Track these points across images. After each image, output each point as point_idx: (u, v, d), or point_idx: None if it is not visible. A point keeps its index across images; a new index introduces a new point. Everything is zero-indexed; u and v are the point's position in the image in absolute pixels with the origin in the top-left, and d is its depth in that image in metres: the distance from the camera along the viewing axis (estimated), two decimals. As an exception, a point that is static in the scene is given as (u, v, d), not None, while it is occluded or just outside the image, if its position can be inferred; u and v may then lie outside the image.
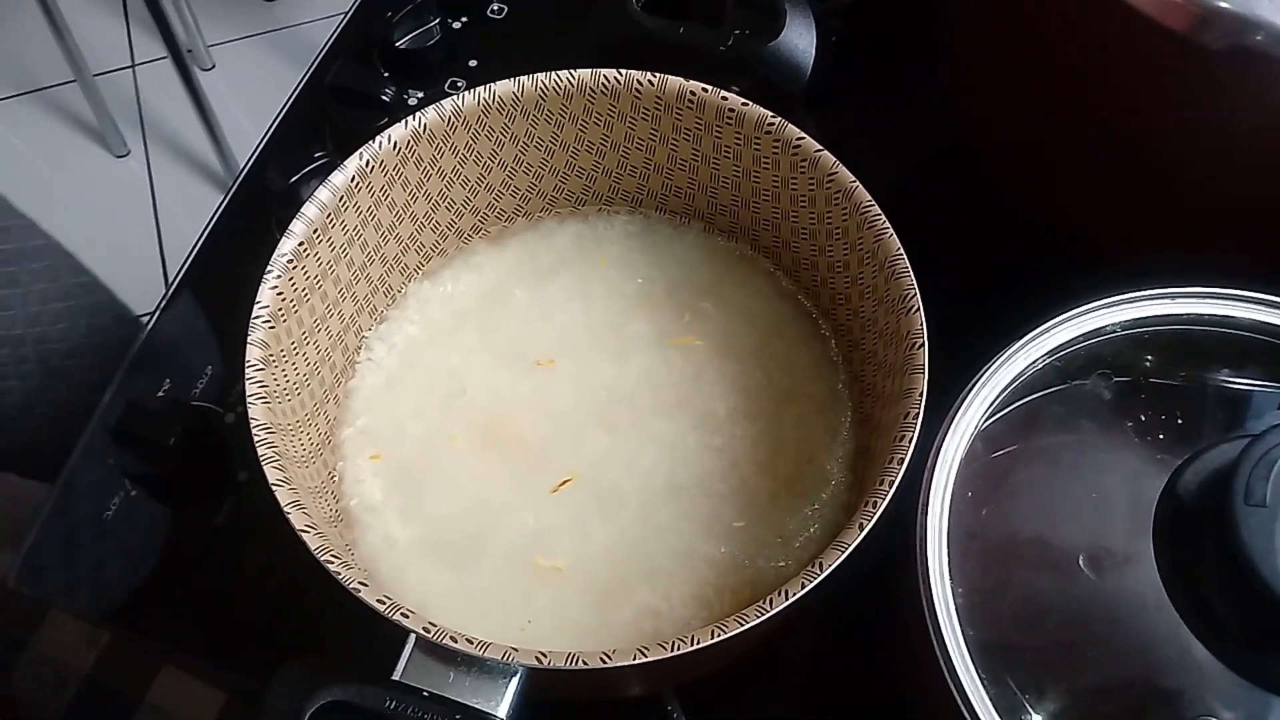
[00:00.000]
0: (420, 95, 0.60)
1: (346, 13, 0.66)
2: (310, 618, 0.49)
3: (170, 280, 0.58)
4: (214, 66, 1.59)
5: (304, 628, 0.49)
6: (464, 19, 0.63)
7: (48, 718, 1.20)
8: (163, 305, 0.57)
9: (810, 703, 0.47)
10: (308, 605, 0.49)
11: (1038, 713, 0.32)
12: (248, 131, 1.49)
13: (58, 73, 1.58)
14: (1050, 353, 0.39)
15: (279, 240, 0.39)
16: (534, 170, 0.46)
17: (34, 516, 0.52)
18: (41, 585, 0.51)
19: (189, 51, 1.35)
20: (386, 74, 0.61)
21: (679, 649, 0.32)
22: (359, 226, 0.42)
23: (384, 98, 0.58)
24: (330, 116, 0.59)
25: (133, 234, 1.46)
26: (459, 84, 0.61)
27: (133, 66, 1.62)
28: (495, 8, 0.64)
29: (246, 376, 0.37)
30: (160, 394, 0.53)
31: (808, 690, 0.47)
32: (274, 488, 0.35)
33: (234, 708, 1.17)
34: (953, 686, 0.33)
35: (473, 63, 0.62)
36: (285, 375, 0.39)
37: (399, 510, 0.42)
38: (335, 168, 0.41)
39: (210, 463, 0.52)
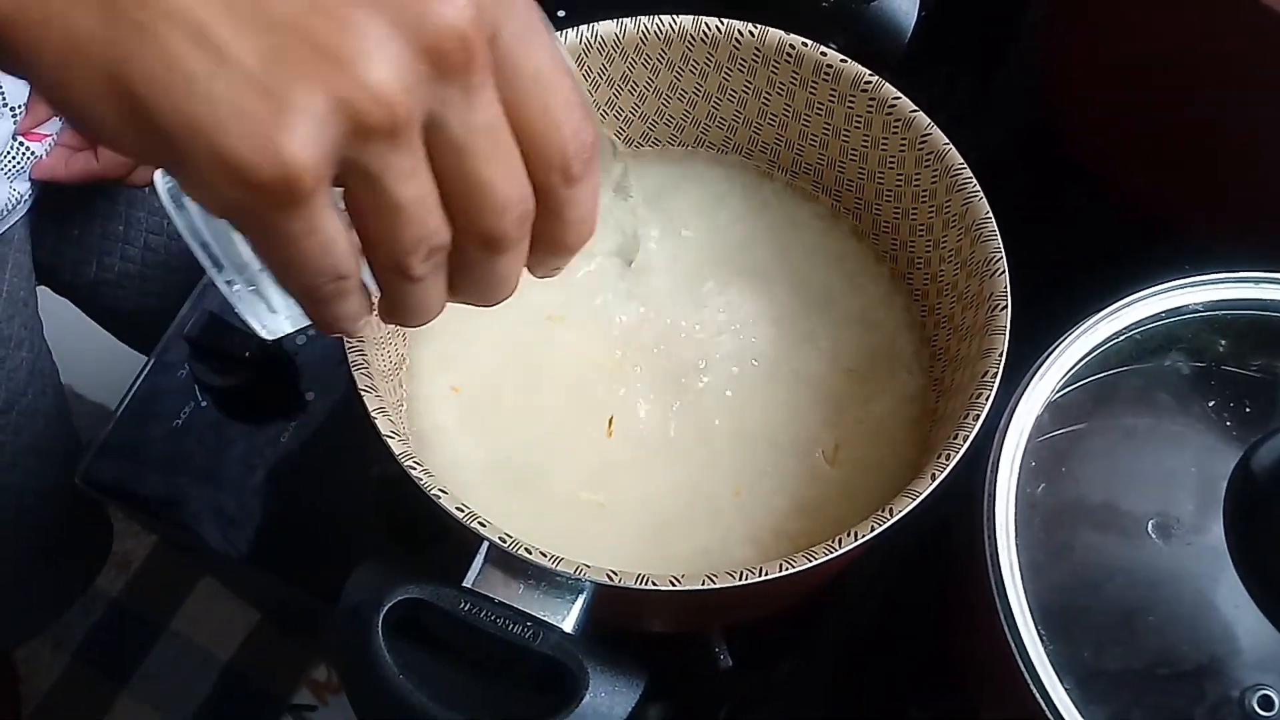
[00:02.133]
0: (507, 40, 0.61)
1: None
2: (368, 539, 0.50)
3: None
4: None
5: (362, 548, 0.50)
6: (555, -32, 0.64)
7: (71, 639, 1.22)
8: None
9: (852, 664, 0.48)
10: (367, 525, 0.51)
11: (1095, 673, 0.33)
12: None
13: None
14: (1127, 329, 0.39)
15: None
16: (624, 115, 0.47)
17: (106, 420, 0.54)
18: (105, 484, 0.52)
19: None
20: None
21: (747, 579, 0.33)
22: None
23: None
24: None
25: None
26: (547, 31, 0.61)
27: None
28: (587, -40, 0.64)
29: (341, 284, 0.38)
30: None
31: (850, 653, 0.48)
32: (363, 393, 0.36)
33: (260, 636, 1.18)
34: (1013, 644, 0.33)
35: (561, 13, 0.62)
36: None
37: (469, 434, 0.43)
38: None
39: (281, 381, 0.53)
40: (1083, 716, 0.32)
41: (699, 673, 0.44)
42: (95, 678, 1.17)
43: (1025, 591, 0.34)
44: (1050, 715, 0.32)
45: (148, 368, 0.54)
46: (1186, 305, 0.39)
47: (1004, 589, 0.34)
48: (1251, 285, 0.39)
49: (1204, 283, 0.39)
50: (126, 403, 0.53)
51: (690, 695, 0.47)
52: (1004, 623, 0.34)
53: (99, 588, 1.25)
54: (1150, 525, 0.34)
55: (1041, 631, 0.33)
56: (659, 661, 0.34)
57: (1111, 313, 0.39)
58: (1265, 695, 0.31)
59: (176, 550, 1.17)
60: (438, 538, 0.49)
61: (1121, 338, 0.39)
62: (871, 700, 0.46)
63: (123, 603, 1.22)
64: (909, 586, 0.47)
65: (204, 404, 0.52)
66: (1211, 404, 0.39)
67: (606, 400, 0.43)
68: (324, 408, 0.52)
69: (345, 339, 0.37)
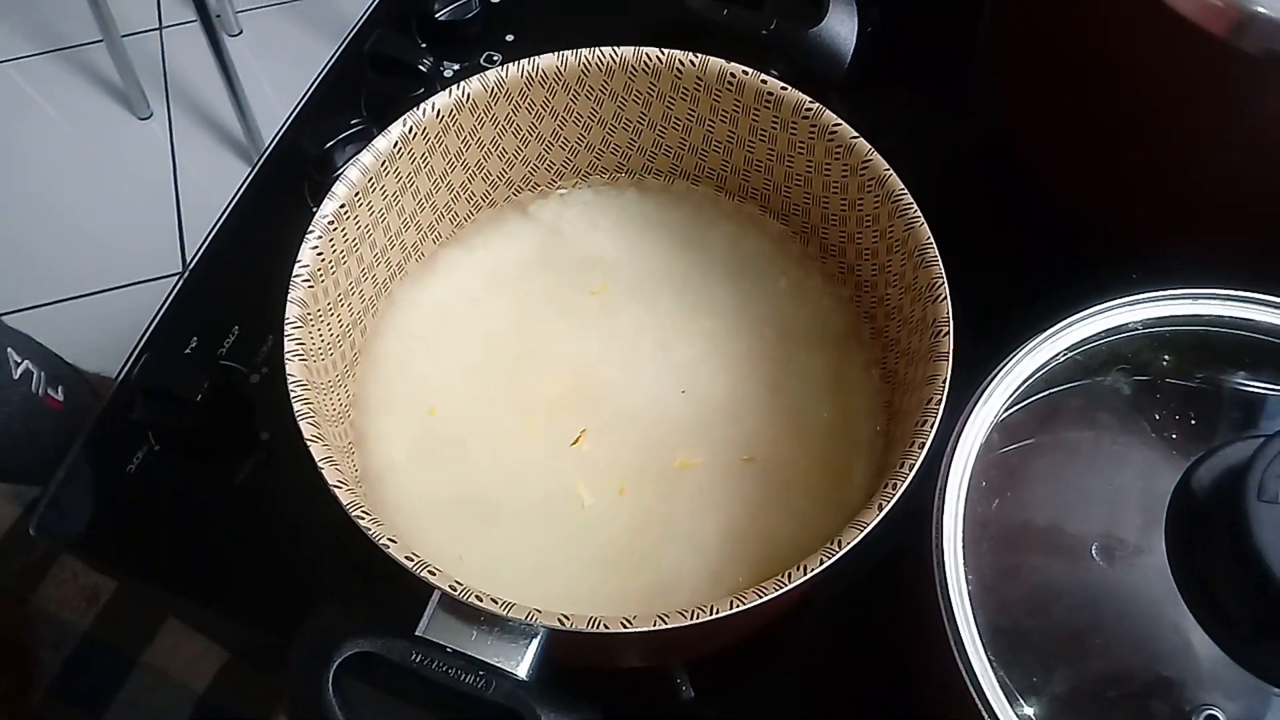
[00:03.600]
0: (456, 67, 0.61)
1: (386, -18, 0.66)
2: (326, 578, 0.50)
3: (200, 240, 0.58)
4: (241, 32, 1.60)
5: (319, 587, 0.49)
6: (502, -6, 0.64)
7: (44, 673, 1.22)
8: (191, 265, 0.58)
9: (817, 686, 0.48)
10: (324, 565, 0.50)
11: (1044, 695, 0.33)
12: (271, 98, 1.50)
13: (85, 32, 1.59)
14: (1071, 348, 0.40)
15: (313, 203, 0.40)
16: (570, 145, 0.47)
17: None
18: (61, 534, 0.52)
19: (217, 16, 1.35)
20: (424, 44, 0.61)
21: (698, 617, 0.33)
22: (397, 193, 0.43)
23: (421, 68, 0.58)
24: (367, 83, 0.59)
25: (150, 196, 1.47)
26: (495, 58, 0.61)
27: (159, 29, 1.62)
28: (533, -16, 0.64)
29: (285, 334, 0.37)
30: (187, 351, 0.54)
31: (815, 674, 0.48)
32: (309, 443, 0.35)
33: (234, 669, 1.18)
34: (962, 668, 0.34)
35: (509, 37, 0.63)
36: (320, 335, 0.40)
37: (422, 470, 0.43)
38: (370, 134, 0.41)
39: (234, 421, 0.52)
40: (1034, 741, 0.32)
41: (662, 704, 0.44)
42: (69, 712, 1.16)
43: (975, 615, 0.35)
44: (1003, 740, 0.32)
45: (98, 415, 0.53)
46: (1128, 323, 0.39)
47: (953, 613, 0.35)
48: (1190, 302, 0.40)
49: (1145, 300, 0.39)
50: (77, 452, 0.53)
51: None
52: (954, 646, 0.34)
53: (69, 622, 1.24)
54: (1094, 549, 0.34)
55: (991, 655, 0.34)
56: (620, 696, 0.34)
57: (1055, 332, 0.39)
58: (1211, 715, 0.32)
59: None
60: (396, 574, 0.49)
61: (1065, 357, 0.39)
62: (834, 722, 0.46)
63: (94, 636, 1.20)
64: (868, 610, 0.47)
65: (156, 448, 0.52)
66: (1157, 417, 0.40)
67: (562, 435, 0.43)
68: (279, 446, 0.52)
69: (290, 385, 0.37)
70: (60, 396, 0.75)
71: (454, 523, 0.42)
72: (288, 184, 0.59)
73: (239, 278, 0.57)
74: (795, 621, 0.47)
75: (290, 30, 1.61)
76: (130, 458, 0.51)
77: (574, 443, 0.42)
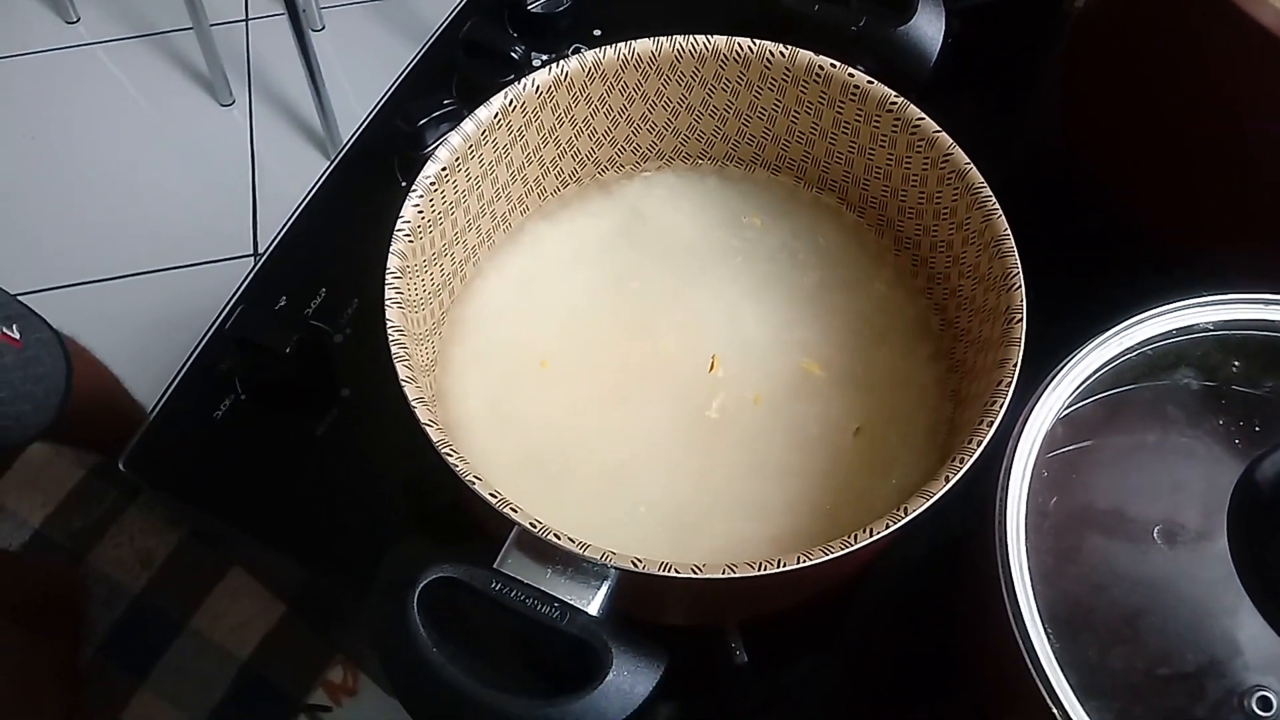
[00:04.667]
0: (544, 58, 0.63)
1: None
2: (397, 529, 0.52)
3: (278, 222, 0.60)
4: (324, 28, 1.64)
5: (390, 538, 0.51)
6: (592, -11, 0.66)
7: (93, 632, 1.25)
8: (284, 231, 0.60)
9: (868, 666, 0.49)
10: (396, 516, 0.52)
11: (1101, 671, 0.34)
12: (348, 91, 1.54)
13: (174, 20, 1.64)
14: (1138, 345, 0.41)
15: (402, 178, 0.41)
16: (657, 129, 0.49)
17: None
18: (147, 472, 0.54)
19: (303, 11, 1.40)
20: (514, 34, 0.63)
21: (765, 569, 0.34)
22: (493, 162, 0.45)
23: (513, 55, 0.61)
24: (459, 68, 0.62)
25: (228, 179, 1.51)
26: (582, 50, 0.63)
27: (246, 20, 1.67)
28: (623, -18, 0.66)
29: (386, 282, 0.40)
30: (277, 308, 0.56)
31: (866, 654, 0.49)
32: (403, 384, 0.37)
33: (279, 637, 1.20)
34: (1022, 644, 0.35)
35: (597, 32, 0.65)
36: (415, 288, 0.42)
37: (498, 429, 0.45)
38: (460, 115, 0.43)
39: (317, 376, 0.55)
40: (1087, 713, 0.33)
41: (715, 669, 0.45)
42: (116, 672, 1.19)
43: (1034, 593, 0.36)
44: (1056, 711, 0.33)
45: (189, 362, 0.56)
46: (1197, 324, 0.40)
47: (1014, 591, 0.36)
48: (1261, 306, 0.40)
49: (1214, 303, 0.40)
50: (168, 395, 0.55)
51: (705, 695, 0.48)
52: (1013, 623, 0.35)
53: (121, 584, 1.28)
54: (1156, 531, 0.35)
55: (1049, 631, 0.35)
56: (675, 657, 0.35)
57: (1123, 329, 0.40)
58: (1264, 696, 0.32)
59: (205, 544, 1.19)
60: (463, 532, 0.50)
61: (1133, 354, 0.40)
62: (883, 701, 0.47)
63: (145, 599, 1.24)
64: (923, 592, 0.48)
65: (243, 397, 0.54)
66: (1221, 421, 0.40)
67: (636, 398, 0.44)
68: (358, 403, 0.54)
69: (389, 329, 0.39)
70: (17, 335, 0.77)
71: (526, 481, 0.44)
72: (376, 162, 0.61)
73: (326, 245, 0.60)
74: (850, 599, 0.48)
75: (370, 28, 1.66)
76: (218, 405, 0.54)
77: (710, 369, 0.44)
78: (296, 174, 1.50)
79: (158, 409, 0.55)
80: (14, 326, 0.75)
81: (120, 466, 0.53)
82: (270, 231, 0.60)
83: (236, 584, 1.20)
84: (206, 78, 1.58)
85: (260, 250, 1.43)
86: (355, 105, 1.54)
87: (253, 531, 0.52)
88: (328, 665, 1.15)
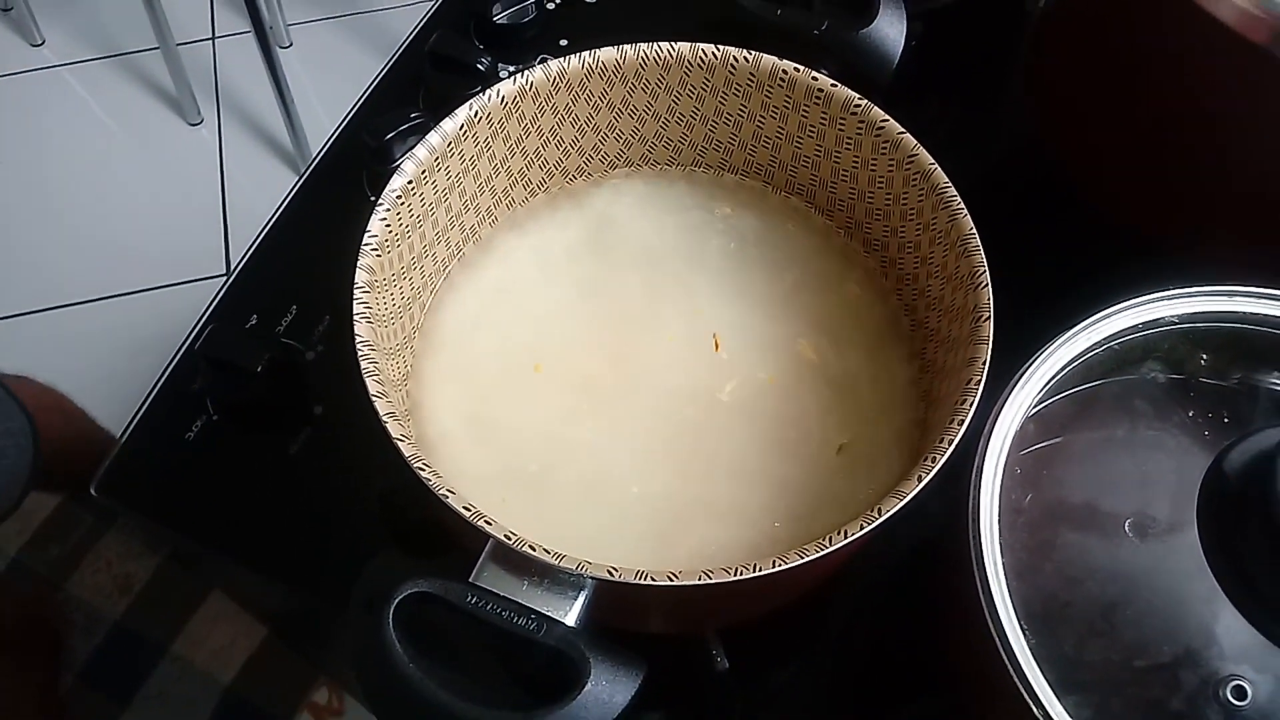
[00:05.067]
0: (511, 69, 0.63)
1: (446, -13, 0.69)
2: (372, 545, 0.51)
3: (248, 239, 0.60)
4: (291, 45, 1.64)
5: (366, 554, 0.51)
6: (558, 1, 0.66)
7: (74, 659, 1.23)
8: (253, 249, 0.60)
9: (849, 667, 0.49)
10: (371, 533, 0.52)
11: (1077, 665, 0.34)
12: (317, 108, 1.53)
13: (140, 40, 1.63)
14: (1106, 340, 0.41)
15: (371, 193, 0.41)
16: (624, 137, 0.49)
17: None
18: (120, 496, 0.54)
19: (270, 29, 1.39)
20: (481, 46, 0.63)
21: (741, 574, 0.34)
22: (460, 174, 0.45)
23: (479, 67, 0.61)
24: (426, 81, 0.62)
25: (198, 198, 1.51)
26: (548, 60, 0.64)
27: (213, 39, 1.67)
28: (588, -8, 0.66)
29: (354, 296, 0.39)
30: (248, 326, 0.56)
31: (847, 655, 0.49)
32: (374, 399, 0.37)
33: (261, 660, 1.20)
34: (998, 639, 0.35)
35: (563, 42, 0.65)
36: (384, 302, 0.42)
37: (473, 442, 0.45)
38: (427, 129, 0.43)
39: (290, 394, 0.54)
40: (1064, 707, 0.33)
41: (696, 677, 0.45)
42: (97, 699, 1.18)
43: (1009, 590, 0.36)
44: (1034, 705, 0.33)
45: (159, 383, 0.56)
46: (1163, 318, 0.41)
47: (989, 588, 0.36)
48: (1226, 298, 0.41)
49: (1180, 296, 0.41)
50: (139, 417, 0.55)
51: (686, 703, 0.48)
52: (989, 619, 0.35)
53: (101, 610, 1.27)
54: (1128, 525, 0.35)
55: (1025, 627, 0.35)
56: (656, 666, 0.35)
57: (1091, 324, 0.40)
58: (1238, 685, 0.33)
59: (182, 566, 1.18)
60: (440, 548, 0.50)
61: (1101, 349, 0.41)
62: (865, 702, 0.47)
63: (125, 625, 1.23)
64: (902, 593, 0.48)
65: (215, 417, 0.54)
66: (1190, 414, 0.41)
67: (612, 406, 0.44)
68: (331, 420, 0.54)
69: (358, 344, 0.38)
70: None
71: (504, 492, 0.44)
72: (345, 177, 0.61)
73: (297, 262, 0.59)
74: (830, 601, 0.48)
75: (338, 44, 1.65)
76: (190, 426, 0.53)
77: (716, 348, 0.44)
78: (267, 192, 1.49)
79: (129, 431, 0.54)
80: None
81: (92, 491, 0.53)
82: (241, 250, 0.60)
83: (217, 607, 1.19)
84: (174, 97, 1.58)
85: (232, 269, 1.43)
86: (325, 121, 1.54)
87: (229, 552, 0.52)
88: (312, 687, 1.14)
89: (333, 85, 1.59)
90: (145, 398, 0.55)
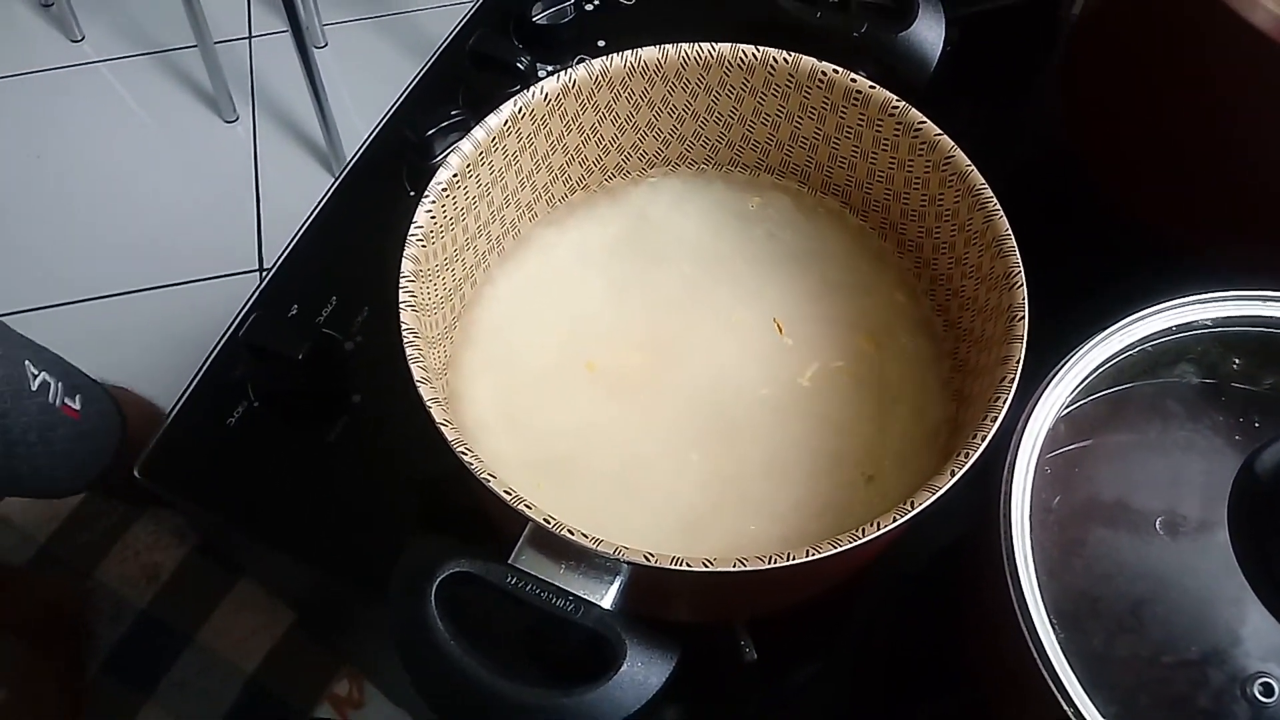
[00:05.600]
0: (550, 68, 0.64)
1: (487, -12, 0.70)
2: (408, 533, 0.52)
3: (286, 235, 0.61)
4: (326, 45, 1.66)
5: (401, 541, 0.52)
6: (596, 2, 0.67)
7: (99, 648, 1.25)
8: (294, 241, 0.61)
9: (875, 664, 0.49)
10: (407, 520, 0.53)
11: (1105, 660, 0.35)
12: (350, 107, 1.55)
13: (177, 38, 1.66)
14: (1139, 342, 0.41)
15: (410, 188, 0.42)
16: (663, 136, 0.49)
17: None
18: (163, 479, 0.55)
19: (306, 28, 1.41)
20: (520, 45, 0.64)
21: (775, 563, 0.35)
22: (503, 169, 0.46)
23: (519, 65, 0.62)
24: (466, 79, 0.63)
25: (232, 195, 1.53)
26: (588, 60, 0.65)
27: (249, 38, 1.69)
28: (627, -6, 0.67)
29: (400, 285, 0.40)
30: (289, 315, 0.57)
31: (873, 652, 0.49)
32: (418, 384, 0.38)
33: (285, 649, 1.21)
34: (1028, 634, 0.35)
35: (601, 43, 0.66)
36: (427, 293, 0.43)
37: (509, 432, 0.46)
38: (468, 125, 0.44)
39: (329, 383, 0.55)
40: (1093, 702, 0.33)
41: (723, 667, 0.46)
42: (121, 687, 1.20)
43: (1039, 586, 0.36)
44: (1063, 701, 0.34)
45: (202, 370, 0.57)
46: (1196, 321, 0.41)
47: (1020, 584, 0.36)
48: (1260, 303, 0.41)
49: (1213, 299, 0.41)
50: (182, 403, 0.56)
51: (714, 693, 0.48)
52: (1019, 614, 0.36)
53: (127, 599, 1.28)
54: (1158, 523, 0.36)
55: (1054, 623, 0.35)
56: (685, 656, 0.36)
57: (1124, 326, 0.41)
58: (1266, 683, 0.33)
59: (212, 557, 1.19)
60: (474, 537, 0.51)
61: (1134, 350, 0.41)
62: (890, 698, 0.48)
63: (150, 614, 1.24)
64: (928, 591, 0.49)
65: (256, 404, 0.55)
66: (1220, 418, 0.41)
67: (645, 402, 0.45)
68: (369, 410, 0.55)
69: (403, 332, 0.39)
70: (77, 405, 0.79)
71: (536, 483, 0.45)
72: (385, 172, 0.62)
73: (337, 254, 0.60)
74: (857, 598, 0.49)
75: (373, 44, 1.67)
76: (230, 412, 0.54)
77: (780, 332, 0.45)
78: (300, 189, 1.51)
79: (172, 417, 0.55)
80: (76, 398, 0.77)
81: (135, 474, 0.54)
82: (274, 247, 0.61)
83: (243, 597, 1.21)
84: (210, 94, 1.60)
85: (265, 265, 1.44)
86: (358, 121, 1.55)
87: (265, 536, 0.53)
88: (334, 678, 1.16)
89: (367, 85, 1.61)
90: (188, 384, 0.56)
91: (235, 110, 1.60)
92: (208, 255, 1.45)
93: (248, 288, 0.58)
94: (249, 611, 1.20)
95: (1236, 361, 0.42)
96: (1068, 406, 0.40)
